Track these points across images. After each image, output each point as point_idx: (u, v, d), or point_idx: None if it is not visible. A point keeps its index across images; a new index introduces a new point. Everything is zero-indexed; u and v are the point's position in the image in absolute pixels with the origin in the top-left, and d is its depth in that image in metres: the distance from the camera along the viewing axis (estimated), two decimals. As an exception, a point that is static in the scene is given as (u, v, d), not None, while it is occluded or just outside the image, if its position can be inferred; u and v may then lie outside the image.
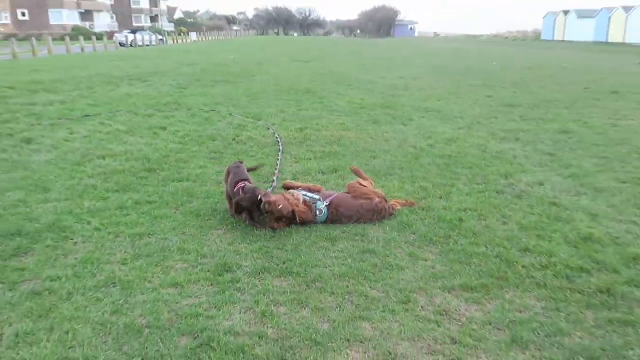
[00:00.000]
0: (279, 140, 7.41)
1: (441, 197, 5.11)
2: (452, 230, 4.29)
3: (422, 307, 3.17)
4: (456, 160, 6.55)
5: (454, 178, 5.78)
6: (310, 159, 6.52)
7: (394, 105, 11.05)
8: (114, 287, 3.33)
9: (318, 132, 8.06)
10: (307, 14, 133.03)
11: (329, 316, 3.04)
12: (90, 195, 5.02)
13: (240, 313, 3.06)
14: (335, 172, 5.97)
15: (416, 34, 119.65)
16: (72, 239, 4.05)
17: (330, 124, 8.76)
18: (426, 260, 3.77)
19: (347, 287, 3.38)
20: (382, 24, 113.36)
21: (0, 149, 6.72)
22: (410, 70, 20.44)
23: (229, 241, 4.06)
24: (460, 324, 3.01)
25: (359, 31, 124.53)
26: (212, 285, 3.38)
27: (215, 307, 3.11)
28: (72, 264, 3.63)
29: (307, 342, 2.79)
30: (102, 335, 2.83)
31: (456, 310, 3.13)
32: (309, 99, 11.66)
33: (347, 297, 3.27)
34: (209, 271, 3.55)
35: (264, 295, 3.25)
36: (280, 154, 6.66)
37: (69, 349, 2.70)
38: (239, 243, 4.02)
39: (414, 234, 4.24)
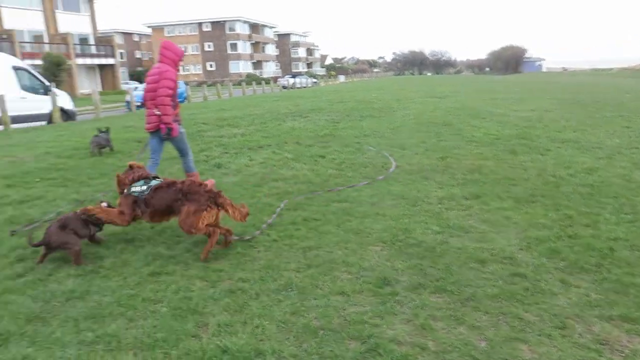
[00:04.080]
0: (392, 160, 7.76)
1: (587, 226, 4.59)
2: (603, 259, 3.81)
3: (579, 334, 2.82)
4: (599, 189, 5.87)
5: (599, 207, 5.17)
6: (453, 185, 6.27)
7: (529, 136, 10.29)
8: (291, 291, 3.43)
9: (458, 161, 7.76)
10: (440, 56, 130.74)
11: (485, 334, 2.83)
12: (267, 211, 5.28)
13: (401, 324, 2.97)
14: (478, 198, 5.66)
15: (544, 69, 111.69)
16: (255, 248, 4.26)
17: (468, 154, 8.39)
18: (579, 287, 3.38)
19: (500, 307, 3.13)
20: (510, 62, 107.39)
21: (200, 171, 7.37)
22: (542, 103, 19.00)
23: (385, 257, 4.00)
24: (623, 355, 2.62)
25: (487, 69, 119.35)
26: (374, 296, 3.34)
27: (379, 317, 3.06)
28: (257, 268, 3.81)
29: (466, 358, 2.62)
30: (284, 332, 2.91)
31: (617, 340, 2.75)
32: (447, 131, 11.31)
33: (501, 317, 3.02)
34: (370, 283, 3.52)
35: (422, 309, 3.13)
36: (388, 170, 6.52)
37: (260, 341, 2.81)
38: (395, 259, 3.94)
39: (563, 260, 3.83)
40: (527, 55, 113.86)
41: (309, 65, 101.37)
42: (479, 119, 13.71)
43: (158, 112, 5.65)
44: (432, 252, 4.05)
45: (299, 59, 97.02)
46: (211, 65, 75.22)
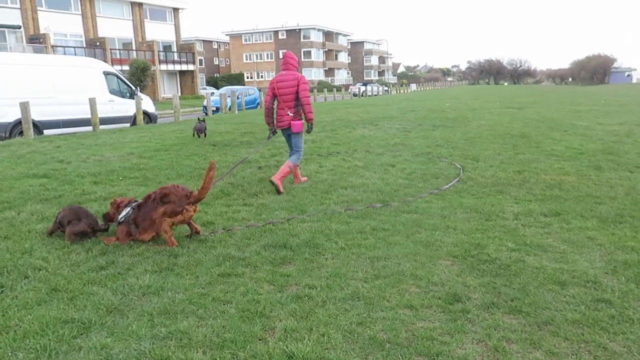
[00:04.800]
0: (459, 168, 7.84)
1: (686, 252, 4.19)
2: None
3: (675, 371, 2.57)
4: (700, 212, 5.34)
5: (700, 232, 4.70)
6: (531, 201, 5.95)
7: (616, 151, 9.60)
8: (358, 300, 3.38)
9: (537, 176, 7.37)
10: (518, 65, 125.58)
11: (564, 362, 2.65)
12: (336, 219, 5.27)
13: (472, 343, 2.84)
14: (558, 215, 5.33)
15: (634, 81, 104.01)
16: (323, 255, 4.26)
17: (548, 168, 7.95)
18: (675, 320, 3.08)
19: (582, 334, 2.91)
20: (596, 72, 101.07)
21: (269, 176, 7.51)
22: (631, 117, 17.70)
23: (456, 272, 3.86)
24: None
25: (570, 79, 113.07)
26: (443, 312, 3.22)
27: (448, 334, 2.94)
28: (324, 275, 3.81)
29: (543, 386, 2.45)
30: (350, 342, 2.88)
31: None
32: (525, 143, 10.80)
33: (582, 345, 2.81)
34: (439, 298, 3.40)
35: (495, 329, 2.98)
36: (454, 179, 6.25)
37: (325, 349, 2.79)
38: (466, 275, 3.79)
39: (656, 288, 3.51)
40: (615, 65, 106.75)
41: (381, 73, 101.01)
42: (560, 132, 12.99)
43: (291, 114, 6.69)
44: (507, 270, 3.85)
45: (370, 67, 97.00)
46: (283, 74, 76.94)
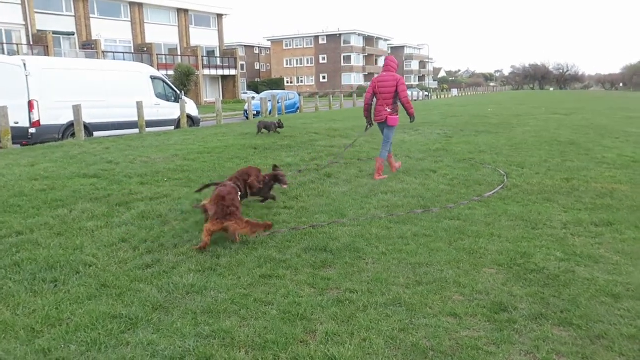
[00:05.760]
0: (504, 175, 7.76)
1: None
2: None
3: None
4: None
5: None
6: (580, 210, 5.73)
7: (673, 160, 9.13)
8: (399, 306, 3.34)
9: (586, 184, 7.09)
10: (565, 70, 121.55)
11: (619, 379, 2.52)
12: (377, 224, 5.23)
13: (519, 355, 2.75)
14: (610, 225, 5.11)
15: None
16: (364, 259, 4.24)
17: (599, 176, 7.64)
18: None
19: (639, 350, 2.77)
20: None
21: (310, 179, 7.55)
22: (689, 124, 16.81)
23: (501, 281, 3.75)
24: None
25: (621, 84, 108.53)
26: (488, 321, 3.14)
27: (494, 344, 2.86)
28: (365, 280, 3.78)
29: (597, 403, 2.34)
30: (392, 348, 2.84)
31: None
32: (573, 151, 10.43)
33: (639, 362, 2.68)
34: (484, 307, 3.31)
35: (544, 341, 2.88)
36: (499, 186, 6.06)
37: (367, 354, 2.77)
38: (512, 284, 3.68)
39: None
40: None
41: (421, 78, 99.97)
42: (612, 139, 12.48)
43: (389, 110, 7.61)
44: (556, 281, 3.72)
45: (411, 72, 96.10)
46: (324, 77, 77.32)
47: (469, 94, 75.18)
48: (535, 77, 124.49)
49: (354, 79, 76.08)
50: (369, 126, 8.08)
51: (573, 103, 36.12)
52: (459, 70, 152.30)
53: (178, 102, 17.17)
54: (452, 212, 5.64)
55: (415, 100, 50.42)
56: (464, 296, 3.50)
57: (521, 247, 4.46)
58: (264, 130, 13.89)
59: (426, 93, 58.10)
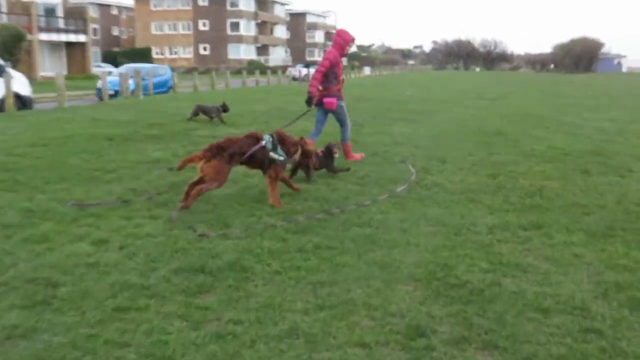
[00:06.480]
0: (412, 169, 8.15)
1: (684, 271, 4.46)
2: None
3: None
4: (698, 224, 5.73)
5: (699, 247, 5.04)
6: (508, 211, 6.17)
7: (606, 152, 10.18)
8: (297, 338, 3.35)
9: (514, 180, 7.66)
10: (492, 47, 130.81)
11: (548, 408, 2.73)
12: (270, 234, 5.22)
13: (438, 389, 2.88)
14: (539, 228, 5.55)
15: (624, 69, 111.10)
16: (252, 281, 4.20)
17: (528, 171, 8.30)
18: (674, 352, 3.25)
19: (569, 373, 3.02)
20: (581, 58, 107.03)
21: (184, 179, 7.33)
22: (623, 112, 18.89)
23: (419, 299, 3.91)
24: None
25: (552, 65, 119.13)
26: (403, 349, 3.25)
27: (409, 378, 2.97)
28: (253, 307, 3.75)
29: None
30: (286, 392, 2.83)
31: None
32: (500, 142, 11.24)
33: (569, 386, 2.92)
34: (398, 333, 3.43)
35: (466, 370, 3.03)
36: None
37: (253, 403, 2.74)
38: (431, 303, 3.85)
39: (653, 315, 3.71)
40: (603, 50, 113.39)
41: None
42: (542, 129, 13.63)
43: (320, 88, 8.51)
44: (480, 296, 3.95)
45: (314, 45, 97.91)
46: (205, 49, 76.15)
47: (384, 73, 78.21)
48: (460, 55, 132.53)
49: (243, 52, 75.80)
50: (310, 107, 8.76)
51: (501, 86, 38.99)
52: (372, 45, 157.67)
53: (1, 76, 16.00)
54: (362, 218, 5.79)
55: (296, 79, 49.99)
56: (374, 321, 3.59)
57: (442, 257, 4.68)
58: (201, 115, 13.63)
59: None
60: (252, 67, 53.50)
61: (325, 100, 8.64)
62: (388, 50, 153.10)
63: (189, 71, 54.08)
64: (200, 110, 13.72)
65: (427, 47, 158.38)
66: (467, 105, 20.82)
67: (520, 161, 9.15)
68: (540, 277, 4.32)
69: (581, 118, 16.47)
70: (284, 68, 62.47)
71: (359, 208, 6.15)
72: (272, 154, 6.29)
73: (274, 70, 51.31)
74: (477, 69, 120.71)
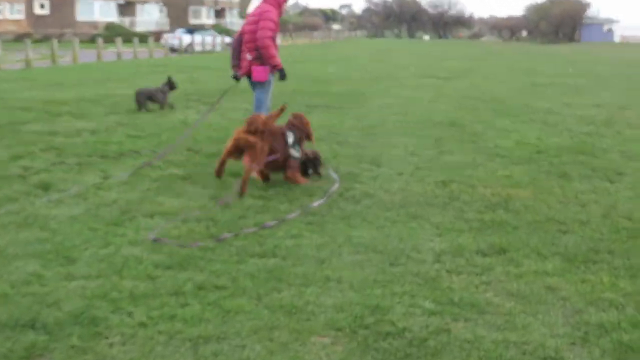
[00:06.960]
0: (335, 177, 8.26)
1: (683, 304, 4.76)
2: None
3: None
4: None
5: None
6: (462, 231, 6.36)
7: (591, 149, 10.68)
8: (167, 419, 3.33)
9: (472, 189, 7.91)
10: (446, 8, 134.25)
11: None
12: (133, 271, 5.14)
13: None
14: (503, 253, 5.76)
15: (616, 39, 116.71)
16: (106, 338, 4.12)
17: (490, 177, 8.58)
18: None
19: None
20: (562, 23, 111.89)
21: (6, 196, 7.13)
22: (613, 95, 19.86)
23: (340, 356, 3.96)
24: None
25: (524, 33, 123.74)
26: None
27: None
28: (107, 377, 3.69)
29: None
30: None
31: None
32: (455, 136, 11.56)
33: None
34: (310, 405, 3.47)
35: None
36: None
37: None
38: (356, 360, 3.92)
39: (644, 363, 3.94)
40: (589, 14, 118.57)
41: (219, 13, 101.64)
42: (510, 117, 14.13)
43: (250, 57, 8.85)
44: (422, 348, 4.04)
45: (201, 2, 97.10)
46: (43, 6, 73.96)
47: (299, 42, 78.75)
48: (402, 19, 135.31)
49: (99, 12, 74.24)
50: (234, 79, 9.41)
51: (457, 61, 40.09)
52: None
53: None
54: (264, 245, 5.81)
55: (211, 51, 51.09)
56: (278, 388, 3.62)
57: (372, 296, 4.76)
58: (148, 103, 14.13)
59: (228, 40, 58.48)
60: (112, 34, 52.60)
61: (255, 69, 8.92)
62: (305, 11, 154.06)
63: (19, 38, 52.46)
64: (144, 97, 13.96)
65: (359, 7, 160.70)
66: (411, 86, 21.27)
67: (479, 163, 9.43)
68: (502, 320, 4.46)
69: (560, 103, 17.13)
70: (157, 35, 61.62)
71: (260, 231, 6.17)
72: (292, 151, 7.40)
73: (144, 37, 50.52)
74: (426, 37, 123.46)
